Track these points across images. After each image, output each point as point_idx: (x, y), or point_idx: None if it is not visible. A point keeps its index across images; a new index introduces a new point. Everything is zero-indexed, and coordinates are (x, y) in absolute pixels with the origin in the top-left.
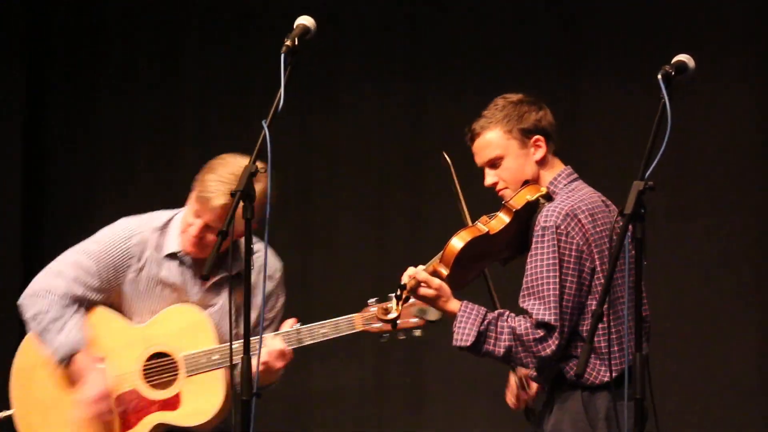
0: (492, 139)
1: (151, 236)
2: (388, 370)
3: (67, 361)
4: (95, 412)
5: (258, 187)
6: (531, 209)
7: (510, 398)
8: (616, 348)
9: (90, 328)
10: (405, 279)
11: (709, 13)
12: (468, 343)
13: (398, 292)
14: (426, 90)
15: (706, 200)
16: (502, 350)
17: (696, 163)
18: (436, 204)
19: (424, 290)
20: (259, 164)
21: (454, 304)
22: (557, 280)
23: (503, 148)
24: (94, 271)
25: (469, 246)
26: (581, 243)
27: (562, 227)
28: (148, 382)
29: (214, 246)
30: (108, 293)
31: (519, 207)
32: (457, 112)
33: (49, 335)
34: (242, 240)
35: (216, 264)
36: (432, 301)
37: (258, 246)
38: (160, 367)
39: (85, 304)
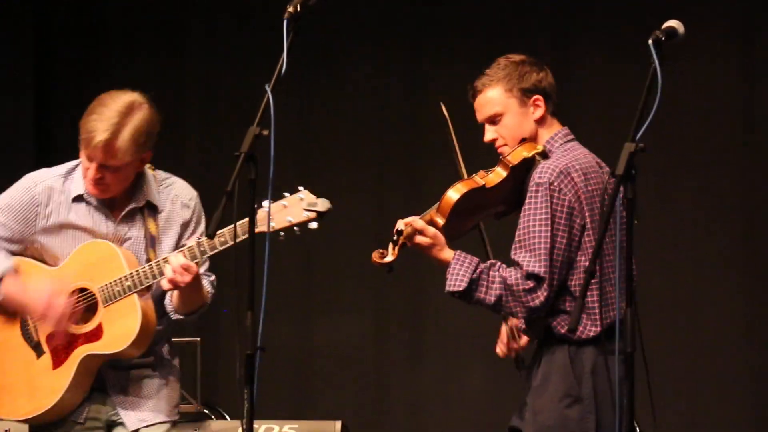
0: (493, 96)
1: (56, 183)
2: (387, 323)
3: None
4: (55, 312)
5: (140, 114)
6: (527, 166)
7: (500, 347)
8: (602, 304)
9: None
10: (401, 226)
11: None
12: (460, 289)
13: (395, 238)
14: (424, 57)
15: (694, 164)
16: (492, 298)
17: (684, 129)
18: (434, 166)
19: (419, 238)
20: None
21: (447, 253)
22: (548, 234)
23: (503, 106)
24: (4, 222)
25: (465, 198)
26: (573, 200)
27: (555, 184)
28: (72, 318)
29: (221, 206)
30: (23, 244)
31: (516, 163)
32: (453, 78)
33: None
34: (149, 171)
35: (125, 198)
36: (427, 249)
37: (171, 179)
38: (81, 302)
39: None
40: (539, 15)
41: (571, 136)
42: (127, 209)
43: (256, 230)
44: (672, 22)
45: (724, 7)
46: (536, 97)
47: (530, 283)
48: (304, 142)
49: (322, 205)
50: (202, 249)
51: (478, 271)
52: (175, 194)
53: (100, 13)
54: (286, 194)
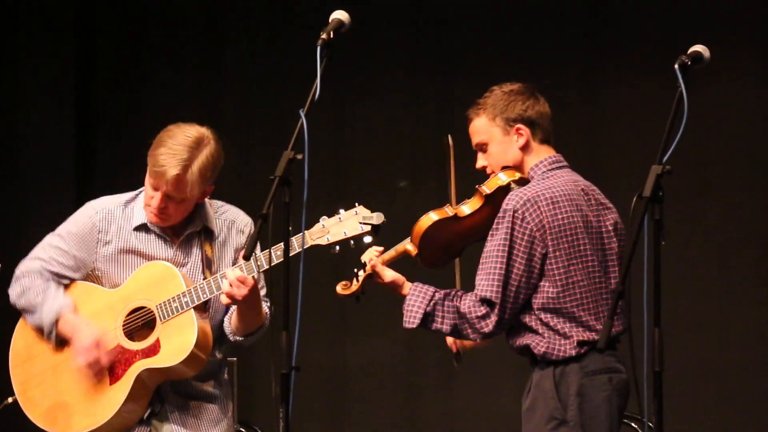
0: (478, 125)
1: (116, 210)
2: (419, 344)
3: (55, 325)
4: (90, 360)
5: (207, 150)
6: (505, 193)
7: (450, 340)
8: (576, 325)
9: (72, 298)
10: (365, 258)
11: (728, 9)
12: (414, 325)
13: (356, 271)
14: (455, 83)
15: (724, 180)
16: (448, 327)
17: (714, 145)
18: (466, 190)
19: (378, 280)
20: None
21: (406, 290)
22: (504, 261)
23: (487, 135)
24: (66, 250)
25: (434, 227)
26: (535, 229)
27: (520, 212)
28: (130, 335)
29: (254, 229)
30: (84, 271)
31: (490, 191)
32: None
33: (35, 308)
34: (206, 200)
35: (183, 224)
36: (387, 288)
37: (226, 207)
38: (138, 319)
39: (63, 280)
40: (568, 40)
41: (560, 164)
42: (185, 234)
43: (313, 242)
44: (698, 47)
45: (750, 30)
46: (518, 126)
47: (483, 309)
48: (338, 166)
49: (377, 218)
50: (258, 263)
51: (432, 303)
52: (231, 220)
53: (141, 37)
54: (341, 210)
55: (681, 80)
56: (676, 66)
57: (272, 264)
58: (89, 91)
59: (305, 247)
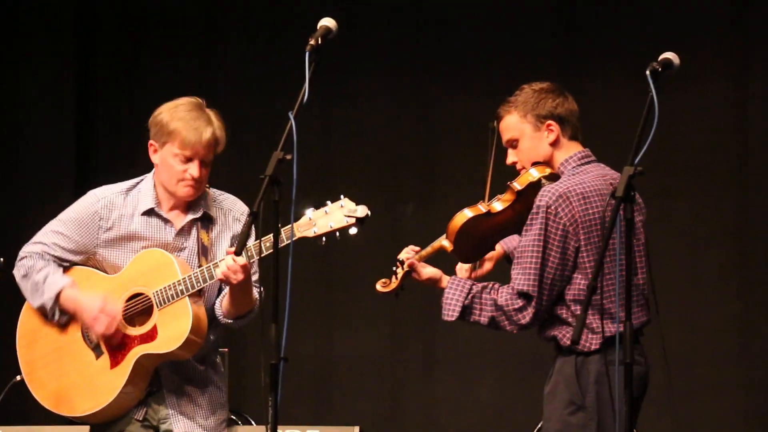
0: (510, 122)
1: (117, 198)
2: (402, 337)
3: (56, 301)
4: (105, 324)
5: (211, 109)
6: (535, 189)
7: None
8: (603, 317)
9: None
10: (402, 256)
11: (696, 21)
12: (453, 318)
13: (394, 268)
14: (436, 85)
15: (692, 184)
16: (486, 320)
17: (682, 150)
18: (446, 187)
19: (415, 275)
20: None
21: (444, 283)
22: (540, 255)
23: (518, 131)
24: (68, 234)
25: (468, 224)
26: (568, 224)
27: (553, 207)
28: (129, 321)
29: (244, 225)
30: (84, 255)
31: (522, 187)
32: (462, 105)
33: (37, 286)
34: (208, 189)
35: (184, 211)
36: (425, 283)
37: (225, 195)
38: (137, 306)
39: (64, 263)
40: (543, 45)
41: (589, 158)
42: (186, 220)
43: (301, 234)
44: (668, 54)
45: (719, 38)
46: (549, 122)
47: (520, 302)
48: (325, 165)
49: (362, 211)
50: (249, 253)
51: (470, 296)
52: (228, 208)
53: (141, 37)
54: (328, 202)
55: (652, 86)
56: (648, 72)
57: (262, 255)
58: (89, 91)
59: (293, 239)
